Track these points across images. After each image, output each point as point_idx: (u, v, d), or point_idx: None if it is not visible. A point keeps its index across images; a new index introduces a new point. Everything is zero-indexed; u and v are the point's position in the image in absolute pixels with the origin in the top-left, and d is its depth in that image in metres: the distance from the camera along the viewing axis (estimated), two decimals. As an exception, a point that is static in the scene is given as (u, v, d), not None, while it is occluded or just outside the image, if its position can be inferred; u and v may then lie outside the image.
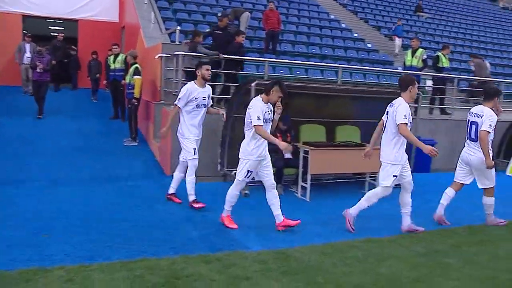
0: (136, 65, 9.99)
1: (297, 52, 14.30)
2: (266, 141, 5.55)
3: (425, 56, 11.79)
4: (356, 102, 8.12)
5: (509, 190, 8.66)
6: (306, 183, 6.91)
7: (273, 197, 5.61)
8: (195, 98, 6.37)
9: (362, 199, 5.68)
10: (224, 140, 7.87)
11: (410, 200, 5.76)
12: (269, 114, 5.54)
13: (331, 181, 8.05)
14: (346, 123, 8.22)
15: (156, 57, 9.82)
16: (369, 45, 17.05)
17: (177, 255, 4.63)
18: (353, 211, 5.69)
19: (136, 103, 9.98)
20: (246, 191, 7.06)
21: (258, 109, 5.42)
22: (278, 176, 7.25)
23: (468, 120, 6.19)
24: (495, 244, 5.41)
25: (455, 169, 6.47)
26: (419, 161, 9.32)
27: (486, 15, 29.61)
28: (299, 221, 5.64)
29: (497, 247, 5.31)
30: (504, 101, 13.05)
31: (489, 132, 5.82)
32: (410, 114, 5.47)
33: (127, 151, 9.80)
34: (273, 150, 7.35)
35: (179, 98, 6.36)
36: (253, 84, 6.71)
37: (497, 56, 22.16)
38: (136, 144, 10.27)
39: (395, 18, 22.56)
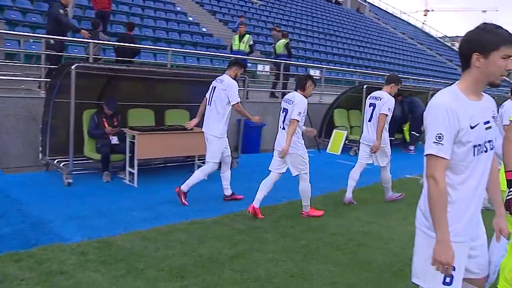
0: None
1: (129, 34, 13.85)
2: None
3: (251, 42, 12.33)
4: (185, 85, 8.15)
5: (329, 166, 9.52)
6: (133, 169, 6.76)
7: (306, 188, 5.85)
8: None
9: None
10: (46, 127, 7.30)
11: (390, 175, 6.97)
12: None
13: (161, 165, 8.01)
14: (176, 107, 8.22)
15: None
16: (204, 29, 17.25)
17: (-20, 256, 4.17)
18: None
19: None
20: (70, 180, 6.66)
21: (304, 106, 5.68)
22: (104, 163, 6.98)
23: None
24: (309, 217, 5.89)
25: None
26: (248, 142, 9.75)
27: (312, 6, 31.98)
28: (323, 211, 6.04)
29: (311, 220, 5.79)
30: (325, 85, 14.30)
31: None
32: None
33: None
34: (99, 135, 7.07)
35: (237, 95, 6.08)
36: (73, 67, 6.30)
37: (322, 44, 24.13)
38: None
39: (230, 3, 23.15)
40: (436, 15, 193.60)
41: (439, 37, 52.77)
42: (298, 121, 5.57)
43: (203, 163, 7.75)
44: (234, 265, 4.26)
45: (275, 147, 5.86)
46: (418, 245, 2.56)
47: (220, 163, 6.17)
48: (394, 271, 4.40)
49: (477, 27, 2.38)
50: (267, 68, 15.79)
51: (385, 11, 49.35)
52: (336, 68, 18.94)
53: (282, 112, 5.80)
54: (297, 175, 5.75)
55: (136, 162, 6.67)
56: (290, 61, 13.86)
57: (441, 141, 2.31)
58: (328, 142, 11.30)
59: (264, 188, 5.76)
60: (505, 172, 3.11)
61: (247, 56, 12.38)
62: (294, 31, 23.73)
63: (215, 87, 6.16)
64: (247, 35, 12.36)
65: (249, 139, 9.69)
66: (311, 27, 26.21)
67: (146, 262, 4.21)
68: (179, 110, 8.10)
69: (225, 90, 6.01)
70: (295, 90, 5.85)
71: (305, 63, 17.80)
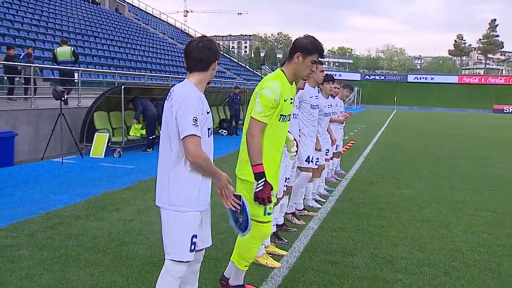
0: None
1: None
2: None
3: None
4: None
5: (92, 170, 9.32)
6: None
7: None
8: None
9: None
10: None
11: None
12: None
13: None
14: None
15: None
16: None
17: None
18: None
19: None
20: None
21: None
22: None
23: None
24: (69, 224, 5.72)
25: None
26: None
27: (67, 5, 30.42)
28: None
29: (71, 227, 5.63)
30: (82, 88, 13.86)
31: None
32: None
33: None
34: None
35: None
36: None
37: (79, 45, 23.18)
38: None
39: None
40: (196, 15, 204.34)
41: (198, 37, 55.73)
42: None
43: None
44: (-21, 292, 3.91)
45: None
46: (166, 224, 2.94)
47: None
48: (155, 261, 4.61)
49: (209, 43, 3.02)
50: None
51: (145, 11, 49.89)
52: (93, 70, 18.50)
53: None
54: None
55: None
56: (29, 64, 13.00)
57: (196, 123, 2.75)
58: (91, 146, 11.02)
59: None
60: (252, 166, 3.39)
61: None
62: (47, 32, 22.26)
63: None
64: None
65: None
66: (67, 28, 24.93)
67: None
68: None
69: None
70: None
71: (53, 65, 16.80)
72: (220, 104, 19.31)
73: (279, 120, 3.51)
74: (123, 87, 11.10)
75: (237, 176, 3.63)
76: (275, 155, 3.60)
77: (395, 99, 54.60)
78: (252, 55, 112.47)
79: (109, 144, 11.03)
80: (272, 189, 3.38)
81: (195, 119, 2.75)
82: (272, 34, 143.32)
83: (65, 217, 6.01)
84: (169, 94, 2.91)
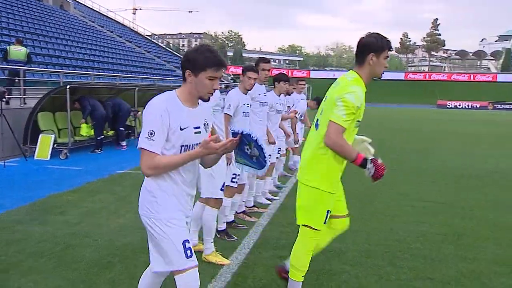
0: None
1: None
2: None
3: None
4: None
5: (37, 173, 9.01)
6: None
7: None
8: None
9: None
10: None
11: None
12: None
13: None
14: None
15: None
16: None
17: None
18: None
19: None
20: None
21: None
22: None
23: None
24: (11, 230, 5.48)
25: None
26: None
27: (6, 1, 29.14)
28: None
29: (13, 232, 5.41)
30: (26, 88, 13.38)
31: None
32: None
33: None
34: None
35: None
36: None
37: (36, 45, 22.45)
38: None
39: None
40: (145, 13, 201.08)
41: (148, 35, 54.88)
42: None
43: None
44: None
45: None
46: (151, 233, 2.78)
47: None
48: (103, 263, 4.52)
49: (194, 47, 2.74)
50: None
51: (91, 9, 48.51)
52: (37, 69, 17.89)
53: None
54: None
55: None
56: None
57: (152, 137, 2.58)
58: (35, 148, 10.62)
59: None
60: (352, 162, 3.43)
61: None
62: (2, 32, 21.28)
63: None
64: None
65: None
66: (6, 25, 23.82)
67: None
68: None
69: None
70: None
71: (2, 65, 16.13)
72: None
73: (354, 126, 3.48)
74: (68, 86, 10.76)
75: (301, 182, 3.56)
76: (342, 159, 3.54)
77: (345, 95, 55.80)
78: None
79: (55, 145, 10.69)
80: (379, 159, 3.36)
81: (151, 133, 2.59)
82: (222, 33, 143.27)
83: (6, 222, 5.78)
84: None
